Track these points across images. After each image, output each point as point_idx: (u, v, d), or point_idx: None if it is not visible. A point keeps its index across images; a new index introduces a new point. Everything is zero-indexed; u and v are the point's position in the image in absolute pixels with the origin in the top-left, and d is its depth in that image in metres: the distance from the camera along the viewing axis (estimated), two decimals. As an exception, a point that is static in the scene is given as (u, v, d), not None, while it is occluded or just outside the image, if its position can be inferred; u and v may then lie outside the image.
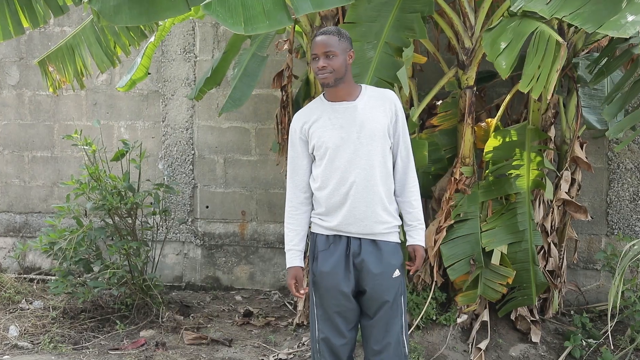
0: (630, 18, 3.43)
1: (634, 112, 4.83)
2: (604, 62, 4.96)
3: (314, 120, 3.43)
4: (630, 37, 4.70)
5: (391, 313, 3.43)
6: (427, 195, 5.11)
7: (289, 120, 5.56)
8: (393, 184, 3.48)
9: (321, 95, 3.52)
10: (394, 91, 3.67)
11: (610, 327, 4.83)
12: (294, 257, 3.51)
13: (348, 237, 3.41)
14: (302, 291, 3.50)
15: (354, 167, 3.36)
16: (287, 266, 3.51)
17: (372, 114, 3.38)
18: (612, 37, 4.94)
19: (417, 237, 3.52)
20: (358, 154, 3.35)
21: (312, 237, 3.55)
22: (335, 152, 3.37)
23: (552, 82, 3.78)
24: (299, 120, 3.50)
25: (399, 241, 3.49)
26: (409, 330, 4.71)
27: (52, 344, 5.14)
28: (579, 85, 5.16)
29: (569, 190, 5.24)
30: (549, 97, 3.83)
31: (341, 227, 3.40)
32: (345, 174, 3.36)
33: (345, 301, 3.43)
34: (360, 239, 3.40)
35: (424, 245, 3.55)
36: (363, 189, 3.36)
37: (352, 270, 3.40)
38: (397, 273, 3.42)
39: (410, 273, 3.61)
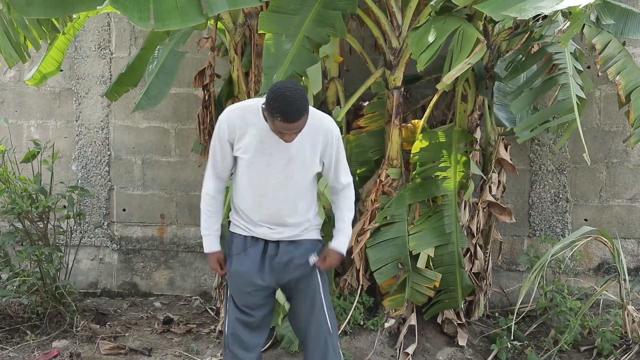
0: (534, 4, 3.52)
1: (542, 111, 4.88)
2: (520, 59, 5.01)
3: (246, 130, 3.45)
4: (542, 36, 4.79)
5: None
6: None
7: (212, 120, 5.41)
8: (314, 197, 3.66)
9: (260, 107, 3.42)
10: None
11: (536, 330, 4.87)
12: (216, 241, 3.69)
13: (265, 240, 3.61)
14: (226, 269, 3.67)
15: (276, 193, 3.48)
16: (210, 251, 3.68)
17: (302, 149, 3.44)
18: (528, 35, 4.99)
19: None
20: (283, 183, 3.47)
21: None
22: (260, 175, 3.48)
23: (459, 72, 3.87)
24: (233, 118, 3.49)
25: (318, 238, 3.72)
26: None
27: (-44, 358, 4.84)
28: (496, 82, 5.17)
29: (494, 192, 5.24)
30: (447, 82, 3.89)
31: (262, 235, 3.60)
32: (265, 198, 3.50)
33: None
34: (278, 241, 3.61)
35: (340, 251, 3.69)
36: (281, 211, 3.52)
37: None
38: (312, 259, 3.61)
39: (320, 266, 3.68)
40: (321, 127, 3.48)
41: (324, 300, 3.64)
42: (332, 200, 3.74)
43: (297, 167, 3.46)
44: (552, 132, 5.42)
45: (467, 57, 3.88)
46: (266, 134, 3.39)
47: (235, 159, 3.54)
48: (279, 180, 3.46)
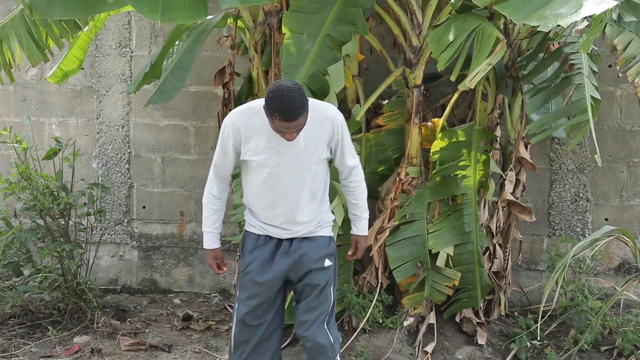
0: (554, 11, 3.49)
1: (556, 110, 4.87)
2: (539, 59, 4.99)
3: (251, 132, 3.46)
4: (558, 35, 4.77)
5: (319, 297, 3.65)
6: (373, 196, 5.03)
7: (231, 119, 5.41)
8: (326, 188, 3.67)
9: (262, 107, 3.35)
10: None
11: (556, 329, 4.84)
12: (216, 239, 3.75)
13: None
14: (224, 268, 3.79)
15: (289, 190, 3.50)
16: (209, 247, 3.75)
17: (310, 143, 3.47)
18: (546, 35, 4.97)
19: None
20: (295, 178, 3.49)
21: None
22: (271, 175, 3.48)
23: (481, 73, 3.83)
24: (237, 122, 3.50)
25: (330, 235, 3.73)
26: (354, 333, 4.76)
27: (-21, 353, 4.89)
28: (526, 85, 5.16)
29: (513, 191, 5.22)
30: (471, 86, 3.86)
31: (275, 234, 3.62)
32: (279, 196, 3.52)
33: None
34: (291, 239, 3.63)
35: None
36: (294, 207, 3.54)
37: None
38: (327, 262, 3.64)
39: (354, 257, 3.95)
40: (326, 117, 3.49)
41: (327, 320, 3.65)
42: (342, 185, 3.79)
43: (307, 160, 3.48)
44: (565, 132, 5.39)
45: (488, 57, 3.87)
46: (272, 134, 3.39)
47: (242, 161, 3.59)
48: (291, 177, 3.48)
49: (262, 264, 3.59)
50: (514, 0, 3.74)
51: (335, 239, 3.85)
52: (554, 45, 5.00)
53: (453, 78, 4.08)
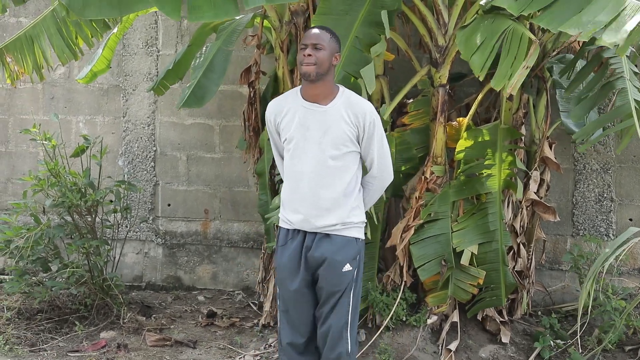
0: (592, 18, 3.49)
1: (601, 117, 4.86)
2: (579, 68, 4.98)
3: (284, 114, 3.63)
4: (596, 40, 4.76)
5: (337, 304, 3.63)
6: (398, 194, 5.06)
7: (257, 117, 5.48)
8: (356, 184, 3.66)
9: (298, 88, 3.66)
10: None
11: (580, 329, 4.83)
12: None
13: (305, 232, 3.64)
14: None
15: (312, 168, 3.55)
16: None
17: (338, 122, 3.55)
18: (584, 41, 4.96)
19: None
20: (319, 157, 3.55)
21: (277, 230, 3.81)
22: (297, 150, 3.58)
23: (521, 78, 3.81)
24: (272, 111, 3.71)
25: (356, 237, 3.67)
26: (378, 331, 4.79)
27: (8, 346, 4.94)
28: (551, 87, 5.16)
29: (537, 190, 5.23)
30: (513, 92, 3.84)
31: (300, 224, 3.62)
32: (302, 175, 3.58)
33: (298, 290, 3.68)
34: (315, 233, 3.61)
35: None
36: (317, 189, 3.56)
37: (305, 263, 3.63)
38: (347, 267, 3.60)
39: None
40: (359, 108, 3.59)
41: (349, 327, 3.65)
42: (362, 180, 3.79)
43: (331, 140, 3.53)
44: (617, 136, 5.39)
45: (524, 60, 3.84)
46: (303, 109, 3.57)
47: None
48: (315, 153, 3.54)
49: (293, 258, 3.63)
50: (549, 10, 3.72)
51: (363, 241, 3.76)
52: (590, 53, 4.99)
53: (477, 73, 4.05)
